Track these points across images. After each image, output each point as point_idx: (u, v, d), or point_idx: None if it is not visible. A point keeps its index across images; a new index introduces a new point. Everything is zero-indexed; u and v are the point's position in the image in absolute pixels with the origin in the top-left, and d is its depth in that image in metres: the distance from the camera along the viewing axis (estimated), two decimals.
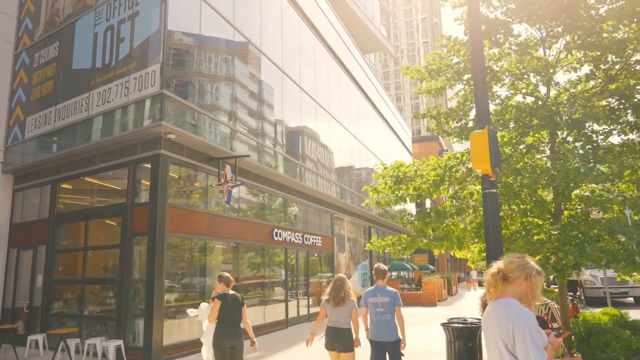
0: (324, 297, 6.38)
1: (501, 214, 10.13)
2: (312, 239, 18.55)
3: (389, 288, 6.42)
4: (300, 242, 17.40)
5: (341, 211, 22.74)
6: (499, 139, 9.15)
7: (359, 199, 24.62)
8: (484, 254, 11.32)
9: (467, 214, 10.39)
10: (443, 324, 9.32)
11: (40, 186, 13.41)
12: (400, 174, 10.14)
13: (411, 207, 37.12)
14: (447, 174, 9.89)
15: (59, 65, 13.10)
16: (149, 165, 10.84)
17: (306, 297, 17.85)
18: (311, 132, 18.79)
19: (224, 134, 12.53)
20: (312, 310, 18.13)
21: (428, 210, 10.48)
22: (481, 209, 10.42)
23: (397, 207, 35.52)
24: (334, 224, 21.81)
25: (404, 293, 26.09)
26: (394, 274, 31.91)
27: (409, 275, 36.82)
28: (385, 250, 11.28)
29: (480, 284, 51.98)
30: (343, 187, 22.20)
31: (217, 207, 12.79)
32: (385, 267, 6.69)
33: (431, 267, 39.47)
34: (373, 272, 6.63)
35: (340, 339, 6.10)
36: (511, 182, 9.07)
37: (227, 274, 6.89)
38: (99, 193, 12.44)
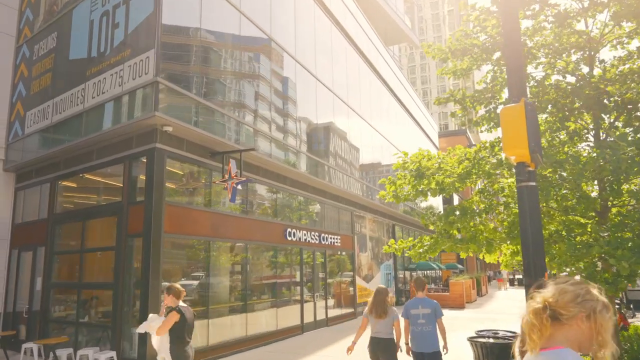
0: (367, 309, 6.50)
1: None
2: (331, 238, 17.50)
3: (429, 299, 6.46)
4: (317, 241, 16.36)
5: (362, 209, 21.60)
6: None
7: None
8: (517, 257, 10.08)
9: (497, 211, 9.17)
10: (470, 339, 8.15)
11: (40, 184, 12.76)
12: (421, 168, 8.98)
13: (438, 202, 35.66)
14: (475, 168, 8.69)
15: (57, 57, 12.39)
16: (145, 161, 9.97)
17: (324, 300, 16.81)
18: (329, 125, 17.71)
19: (229, 127, 11.58)
20: (331, 313, 17.10)
21: (452, 208, 9.31)
22: (514, 205, 9.18)
23: (424, 204, 34.10)
24: (355, 222, 20.69)
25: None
26: (420, 274, 30.58)
27: (436, 274, 35.37)
28: (406, 254, 10.15)
29: (512, 283, 50.08)
30: (364, 184, 21.05)
31: (222, 206, 11.86)
32: (424, 279, 6.80)
33: (459, 266, 37.86)
34: (412, 283, 6.78)
35: (383, 349, 6.24)
36: (549, 175, 7.82)
37: (177, 285, 5.94)
38: (97, 191, 11.69)
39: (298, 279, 15.18)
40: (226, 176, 10.89)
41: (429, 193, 9.74)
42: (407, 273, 28.53)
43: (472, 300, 26.48)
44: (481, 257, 11.01)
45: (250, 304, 12.58)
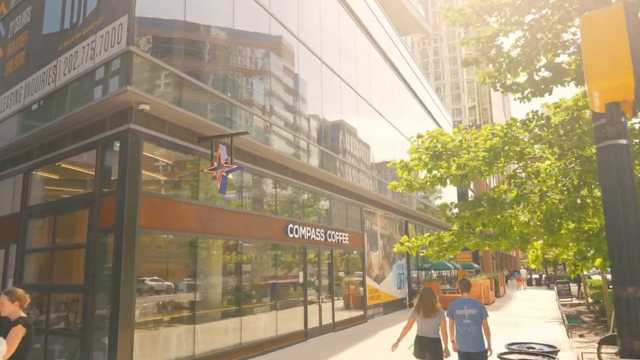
0: (414, 309, 6.68)
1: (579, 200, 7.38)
2: (338, 235, 16.09)
3: (474, 300, 6.51)
4: (323, 239, 14.96)
5: (373, 204, 20.15)
6: None
7: (393, 191, 21.94)
8: (550, 250, 8.58)
9: (531, 200, 7.69)
10: (502, 357, 6.69)
11: (15, 175, 11.53)
12: (439, 145, 7.54)
13: (452, 196, 34.00)
14: (507, 147, 7.23)
15: (31, 33, 11.17)
16: (119, 145, 8.66)
17: (331, 303, 15.41)
18: (337, 113, 16.30)
19: (220, 108, 10.24)
20: (338, 317, 15.69)
21: (479, 196, 7.85)
22: (552, 194, 7.70)
23: (438, 201, 32.48)
24: (365, 219, 19.25)
25: (446, 296, 23.22)
26: (434, 274, 29.02)
27: (451, 274, 33.76)
28: (420, 253, 8.72)
29: (530, 283, 48.16)
30: (375, 177, 19.59)
31: (212, 198, 10.52)
32: (469, 280, 6.78)
33: (475, 265, 36.22)
34: (457, 284, 7.05)
35: (430, 348, 6.42)
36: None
37: (21, 290, 4.68)
38: (71, 181, 10.43)
39: (301, 279, 13.80)
40: (215, 164, 9.54)
41: (448, 181, 8.33)
42: (422, 273, 26.99)
43: (490, 302, 24.89)
44: (513, 254, 9.54)
45: (246, 307, 11.23)
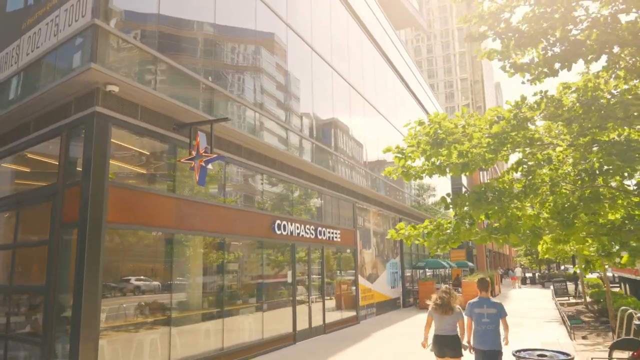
0: (431, 306, 6.78)
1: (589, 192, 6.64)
2: (329, 232, 15.31)
3: (493, 300, 6.57)
4: (313, 236, 14.17)
5: (366, 200, 19.40)
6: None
7: (387, 187, 21.20)
8: (562, 246, 7.85)
9: (542, 190, 6.94)
10: None
11: None
12: (440, 131, 6.78)
13: (447, 189, 33.24)
14: (514, 132, 6.48)
15: None
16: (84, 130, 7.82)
17: (321, 303, 14.63)
18: (329, 105, 15.51)
19: (200, 94, 9.42)
20: (329, 318, 14.92)
21: (481, 186, 7.11)
22: (564, 184, 6.96)
23: (431, 199, 31.79)
24: (358, 216, 18.49)
25: None
26: (429, 272, 28.35)
27: (445, 273, 33.11)
28: (417, 242, 7.99)
29: (524, 282, 47.65)
30: (368, 173, 18.83)
31: (192, 191, 9.70)
32: (488, 280, 6.77)
33: (470, 264, 35.64)
34: (476, 284, 6.77)
35: (450, 345, 6.52)
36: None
37: None
38: (35, 173, 9.56)
39: (290, 279, 13.00)
40: (193, 153, 8.72)
41: (448, 169, 7.57)
42: (416, 272, 26.28)
43: None
44: (522, 249, 8.81)
45: (229, 309, 10.42)
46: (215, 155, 8.72)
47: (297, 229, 13.24)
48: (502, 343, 6.40)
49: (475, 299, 6.65)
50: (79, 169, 7.75)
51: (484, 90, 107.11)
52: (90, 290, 7.08)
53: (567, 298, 25.70)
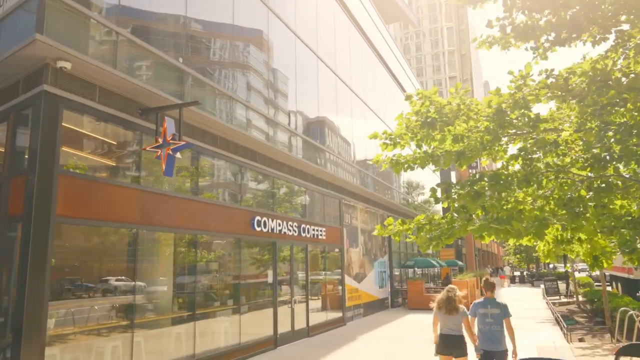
0: (436, 306, 6.78)
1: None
2: (313, 230, 14.51)
3: (498, 300, 6.56)
4: (296, 233, 13.36)
5: (353, 197, 18.62)
6: None
7: (376, 184, 20.46)
8: (567, 246, 7.15)
9: (545, 178, 6.21)
10: None
11: None
12: (432, 109, 6.03)
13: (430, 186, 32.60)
14: (517, 111, 5.74)
15: None
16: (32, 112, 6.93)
17: (305, 304, 13.82)
18: (313, 96, 14.71)
19: (170, 76, 8.57)
20: (314, 320, 14.12)
21: (481, 174, 6.37)
22: (573, 171, 6.23)
23: (421, 197, 31.10)
24: (344, 213, 17.71)
25: (429, 295, 21.82)
26: (418, 272, 27.67)
27: (434, 272, 32.48)
28: (408, 239, 7.23)
29: (514, 280, 47.25)
30: (355, 167, 18.07)
31: (160, 183, 8.84)
32: (493, 281, 6.78)
33: (459, 262, 35.05)
34: (482, 285, 6.79)
35: (456, 345, 6.54)
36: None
37: None
38: None
39: (271, 279, 12.17)
40: (160, 140, 7.87)
41: (441, 159, 6.82)
42: (405, 272, 25.59)
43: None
44: (516, 244, 8.07)
45: (202, 312, 9.57)
46: (183, 143, 7.87)
47: (279, 225, 12.42)
48: (507, 343, 6.39)
49: (480, 299, 6.68)
50: (27, 155, 6.86)
51: (473, 89, 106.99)
52: (35, 292, 6.21)
53: (558, 297, 25.20)
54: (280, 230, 12.45)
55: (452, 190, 6.61)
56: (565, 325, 13.16)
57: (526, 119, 6.01)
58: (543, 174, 6.18)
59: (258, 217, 11.46)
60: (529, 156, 6.46)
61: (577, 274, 34.10)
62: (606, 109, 4.92)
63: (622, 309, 11.43)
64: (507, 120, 6.13)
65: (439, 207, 32.80)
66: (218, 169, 10.76)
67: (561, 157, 6.19)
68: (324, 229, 15.22)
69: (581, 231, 5.46)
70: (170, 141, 7.82)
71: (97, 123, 7.70)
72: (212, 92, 9.70)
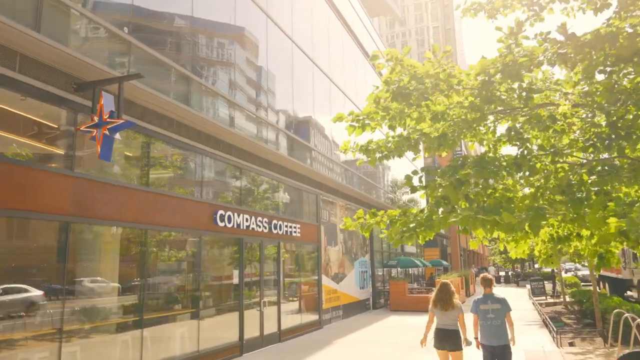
0: (432, 303, 6.92)
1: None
2: (287, 226, 13.48)
3: (497, 295, 6.66)
4: (266, 230, 12.32)
5: (332, 192, 17.63)
6: None
7: (360, 182, 19.49)
8: (565, 246, 6.25)
9: (539, 165, 5.28)
10: None
11: None
12: (406, 77, 5.06)
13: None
14: (509, 82, 4.79)
15: None
16: None
17: (276, 307, 12.78)
18: (287, 82, 13.69)
19: (116, 50, 7.48)
20: (286, 324, 13.09)
21: (464, 158, 5.41)
22: (571, 152, 5.29)
23: (405, 197, 30.19)
24: (322, 209, 16.71)
25: (412, 296, 20.99)
26: (400, 271, 26.77)
27: (419, 272, 31.64)
28: (381, 234, 6.27)
29: (499, 281, 46.63)
30: (335, 162, 17.08)
31: (100, 170, 7.75)
32: (492, 277, 6.95)
33: (444, 262, 34.24)
34: (480, 281, 6.92)
35: (449, 339, 6.67)
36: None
37: None
38: None
39: (236, 279, 11.10)
40: (95, 118, 6.79)
41: (420, 143, 5.88)
42: (388, 272, 24.66)
43: (462, 302, 22.80)
44: (503, 247, 7.15)
45: (153, 317, 8.49)
46: (121, 121, 6.78)
47: (247, 221, 11.37)
48: (509, 338, 6.48)
49: (480, 296, 6.73)
50: None
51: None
52: None
53: (544, 298, 24.50)
54: (248, 226, 11.39)
55: (433, 178, 5.64)
56: (555, 329, 12.30)
57: (517, 92, 5.07)
58: (536, 156, 5.24)
59: (221, 211, 10.39)
60: (520, 136, 5.52)
61: (563, 274, 33.56)
62: (619, 66, 3.99)
63: (616, 310, 10.58)
64: (495, 95, 5.18)
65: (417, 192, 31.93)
66: (175, 157, 9.67)
67: (559, 136, 5.25)
68: (298, 225, 14.20)
69: (584, 223, 4.52)
70: (107, 119, 6.74)
71: (20, 98, 6.58)
72: (166, 70, 8.62)
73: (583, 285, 27.32)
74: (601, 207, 4.35)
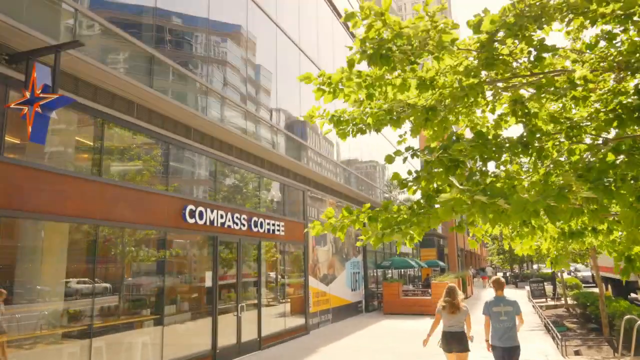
0: (439, 305, 7.02)
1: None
2: (269, 224, 12.46)
3: (509, 297, 6.76)
4: (245, 228, 11.30)
5: (321, 189, 16.61)
6: None
7: (350, 176, 18.49)
8: (574, 243, 5.26)
9: (551, 143, 4.28)
10: None
11: None
12: (388, 33, 4.06)
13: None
14: (515, 37, 3.80)
15: None
16: None
17: (256, 311, 11.76)
18: (270, 65, 12.68)
19: (52, 14, 6.46)
20: (268, 330, 12.07)
21: (458, 135, 4.41)
22: (592, 127, 4.28)
23: (402, 196, 29.17)
24: (310, 206, 15.70)
25: (407, 299, 20.00)
26: (395, 273, 25.76)
27: (415, 273, 30.64)
28: (358, 241, 5.19)
29: None
30: (322, 155, 16.07)
31: (40, 156, 6.72)
32: (503, 280, 6.99)
33: (441, 263, 33.20)
34: (491, 284, 6.95)
35: (457, 341, 6.78)
36: None
37: None
38: None
39: (209, 282, 10.08)
40: (27, 94, 5.77)
41: (403, 116, 4.90)
42: (385, 272, 23.66)
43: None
44: (508, 246, 6.15)
45: (106, 326, 7.46)
46: (55, 97, 5.76)
47: (222, 217, 10.35)
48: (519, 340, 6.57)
49: (492, 298, 6.80)
50: None
51: None
52: None
53: (544, 300, 23.55)
54: (222, 224, 10.37)
55: (418, 158, 4.65)
56: (559, 336, 11.31)
57: (526, 54, 4.07)
58: (547, 134, 4.24)
59: (191, 207, 9.37)
60: (527, 110, 4.53)
61: (565, 275, 32.58)
62: None
63: (627, 317, 9.61)
64: (497, 58, 4.17)
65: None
66: (136, 144, 8.65)
67: (577, 106, 4.25)
68: (282, 223, 13.17)
69: (604, 216, 3.51)
70: (40, 95, 5.72)
71: None
72: (122, 44, 7.60)
73: (585, 287, 26.37)
74: (633, 196, 3.36)
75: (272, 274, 13.01)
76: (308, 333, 14.16)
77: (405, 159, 4.76)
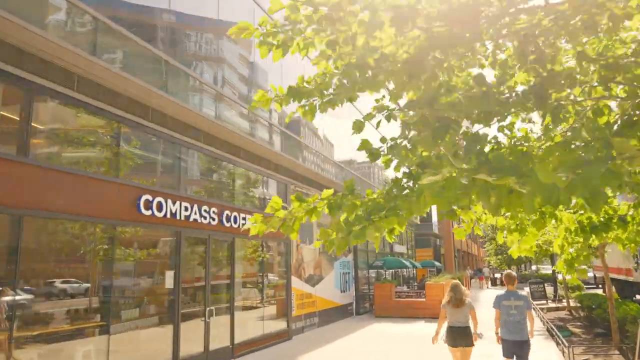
0: (444, 300, 7.09)
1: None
2: (245, 219, 11.29)
3: (519, 292, 6.87)
4: (215, 222, 10.11)
5: (307, 182, 15.44)
6: None
7: (342, 172, 17.33)
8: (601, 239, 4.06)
9: (576, 88, 3.06)
10: None
11: None
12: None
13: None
14: None
15: None
16: None
17: (228, 316, 10.57)
18: (246, 42, 11.52)
19: None
20: (244, 335, 10.89)
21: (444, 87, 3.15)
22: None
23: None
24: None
25: (400, 301, 18.84)
26: (389, 273, 24.58)
27: (409, 273, 29.48)
28: (315, 243, 3.92)
29: (494, 283, 44.53)
30: (305, 145, 14.90)
31: None
32: (514, 275, 7.10)
33: (437, 263, 32.05)
34: (503, 278, 7.09)
35: (463, 336, 6.83)
36: None
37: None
38: None
39: (170, 283, 8.88)
40: None
41: (386, 81, 3.69)
42: (378, 272, 22.49)
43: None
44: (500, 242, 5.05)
45: (33, 335, 6.28)
46: None
47: (186, 210, 9.16)
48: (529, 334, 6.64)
49: (503, 292, 6.88)
50: None
51: None
52: None
53: (545, 302, 22.44)
54: (188, 217, 9.19)
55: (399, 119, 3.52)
56: (566, 343, 10.18)
57: None
58: (574, 79, 3.09)
59: (147, 196, 8.18)
60: (542, 55, 3.34)
61: (567, 276, 31.49)
62: None
63: None
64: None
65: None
66: (81, 124, 7.46)
67: (611, 42, 3.09)
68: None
69: None
70: None
71: None
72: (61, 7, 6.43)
73: (587, 288, 25.28)
74: None
75: (249, 274, 11.83)
76: (290, 338, 12.98)
77: (379, 123, 3.61)
